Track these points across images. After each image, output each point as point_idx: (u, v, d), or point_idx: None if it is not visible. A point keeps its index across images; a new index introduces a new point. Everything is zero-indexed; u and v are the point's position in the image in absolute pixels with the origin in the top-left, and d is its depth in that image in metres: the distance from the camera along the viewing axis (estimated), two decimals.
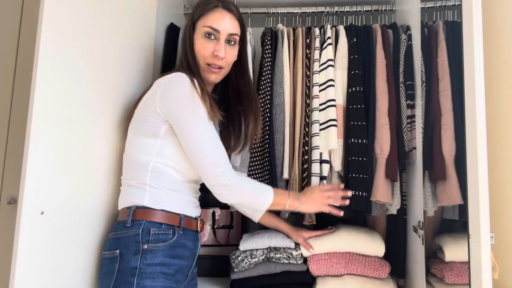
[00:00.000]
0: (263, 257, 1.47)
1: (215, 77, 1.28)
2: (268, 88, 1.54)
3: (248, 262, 1.46)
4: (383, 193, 1.41)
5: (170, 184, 1.19)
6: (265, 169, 1.48)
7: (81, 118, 1.14)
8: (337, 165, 1.48)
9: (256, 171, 1.49)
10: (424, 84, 1.43)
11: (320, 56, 1.56)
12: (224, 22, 1.25)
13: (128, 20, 1.38)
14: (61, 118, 1.06)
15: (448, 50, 1.46)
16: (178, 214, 1.19)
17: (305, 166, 1.49)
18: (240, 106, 1.37)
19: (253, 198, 1.22)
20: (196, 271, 1.32)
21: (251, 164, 1.49)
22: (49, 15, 0.99)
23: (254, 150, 1.50)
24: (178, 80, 1.16)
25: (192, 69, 1.26)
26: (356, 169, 1.44)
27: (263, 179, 1.48)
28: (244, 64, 1.40)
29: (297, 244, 1.49)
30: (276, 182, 1.49)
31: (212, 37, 1.25)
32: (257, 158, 1.50)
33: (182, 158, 1.19)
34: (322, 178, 1.47)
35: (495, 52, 1.38)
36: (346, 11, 1.72)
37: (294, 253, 1.46)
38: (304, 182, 1.48)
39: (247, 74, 1.41)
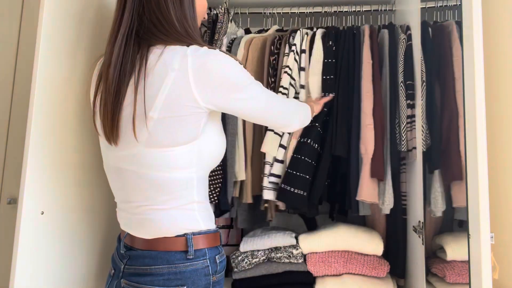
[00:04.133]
0: (264, 257, 1.47)
1: None
2: None
3: (248, 262, 1.46)
4: (368, 192, 1.42)
5: (205, 190, 1.02)
6: (218, 171, 1.51)
7: (81, 118, 1.14)
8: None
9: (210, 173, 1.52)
10: (424, 84, 1.43)
11: (286, 61, 1.55)
12: None
13: None
14: (62, 118, 1.06)
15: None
16: (217, 231, 1.03)
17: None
18: None
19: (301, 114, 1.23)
20: None
21: None
22: (49, 15, 0.99)
23: None
24: (217, 57, 0.93)
25: (193, 32, 1.01)
26: (298, 167, 1.45)
27: (216, 178, 1.51)
28: None
29: (297, 242, 1.49)
30: (226, 183, 1.52)
31: None
32: None
33: (217, 145, 1.01)
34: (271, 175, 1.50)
35: (495, 52, 1.38)
36: (345, 11, 1.72)
37: (295, 252, 1.46)
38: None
39: None
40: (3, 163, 1.81)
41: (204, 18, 1.13)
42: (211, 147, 0.98)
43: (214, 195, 1.50)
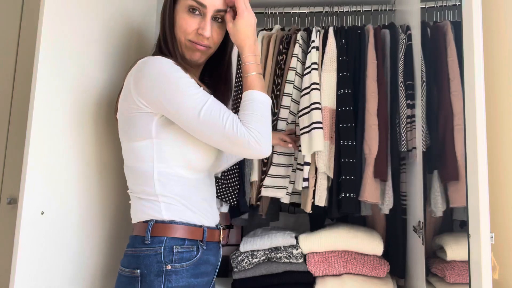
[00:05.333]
0: (264, 257, 1.47)
1: (199, 56, 1.11)
2: (237, 97, 1.57)
3: (248, 262, 1.46)
4: (371, 193, 1.42)
5: (184, 187, 1.06)
6: (234, 173, 1.54)
7: (82, 117, 1.14)
8: (321, 166, 1.45)
9: (226, 175, 1.55)
10: (424, 84, 1.43)
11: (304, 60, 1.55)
12: None
13: (127, 19, 1.38)
14: (62, 118, 1.06)
15: (458, 50, 1.45)
16: (201, 226, 1.07)
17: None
18: (215, 92, 1.17)
19: (266, 113, 1.04)
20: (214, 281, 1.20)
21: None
22: (49, 15, 0.99)
23: None
24: (153, 61, 1.01)
25: (170, 50, 1.10)
26: (347, 170, 1.43)
27: (233, 180, 1.54)
28: (227, 46, 1.23)
29: (297, 242, 1.50)
30: (244, 185, 1.55)
31: (197, 12, 1.08)
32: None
33: (188, 148, 1.05)
34: (304, 179, 1.46)
35: (495, 52, 1.38)
36: (346, 11, 1.72)
37: (295, 252, 1.46)
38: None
39: (229, 58, 1.26)
40: (3, 163, 1.81)
41: (199, 47, 1.10)
42: (174, 149, 1.04)
43: (233, 196, 1.52)
